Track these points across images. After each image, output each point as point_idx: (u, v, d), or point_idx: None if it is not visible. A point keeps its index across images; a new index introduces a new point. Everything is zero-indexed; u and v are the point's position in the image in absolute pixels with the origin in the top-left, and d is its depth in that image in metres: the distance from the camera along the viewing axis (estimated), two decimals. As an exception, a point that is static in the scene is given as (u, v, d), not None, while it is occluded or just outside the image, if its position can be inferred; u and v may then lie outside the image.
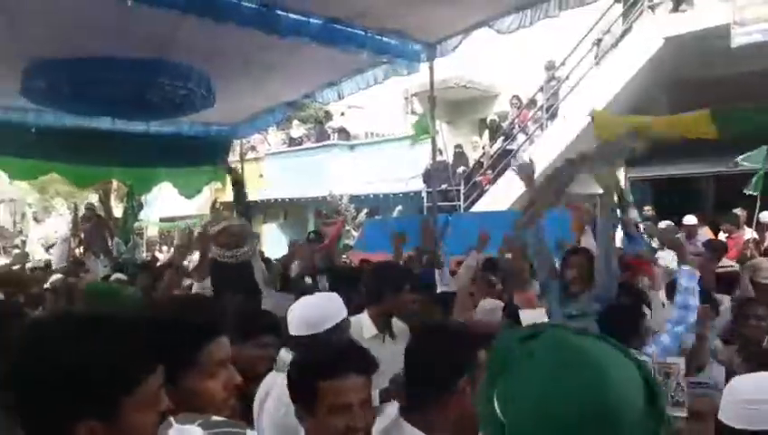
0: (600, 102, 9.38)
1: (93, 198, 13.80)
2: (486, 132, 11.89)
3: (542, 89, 10.68)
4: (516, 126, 11.10)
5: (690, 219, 7.24)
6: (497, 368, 0.78)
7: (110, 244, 8.74)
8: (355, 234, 11.56)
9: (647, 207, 8.55)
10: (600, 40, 9.89)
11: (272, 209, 16.71)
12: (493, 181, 10.65)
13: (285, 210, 17.07)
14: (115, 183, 17.14)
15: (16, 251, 15.76)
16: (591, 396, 0.70)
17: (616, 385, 0.71)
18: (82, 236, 8.92)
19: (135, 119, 6.71)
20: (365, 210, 12.74)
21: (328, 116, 16.60)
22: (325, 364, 1.55)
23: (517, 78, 11.83)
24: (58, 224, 14.43)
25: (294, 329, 2.08)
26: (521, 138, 10.87)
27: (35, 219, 24.92)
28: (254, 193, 13.41)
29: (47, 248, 15.25)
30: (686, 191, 9.90)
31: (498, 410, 0.75)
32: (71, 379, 0.95)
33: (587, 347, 0.75)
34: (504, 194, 9.78)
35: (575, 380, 0.71)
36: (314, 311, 2.10)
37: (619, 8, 9.67)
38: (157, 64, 5.12)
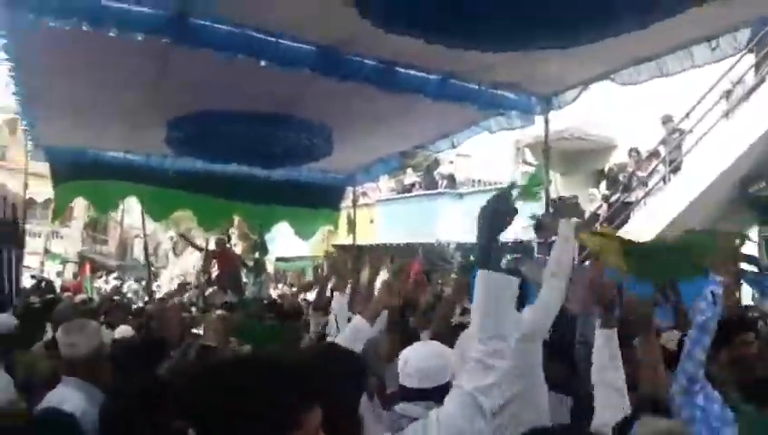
0: (729, 158, 8.82)
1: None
2: (604, 183, 11.51)
3: (664, 141, 10.22)
4: (635, 178, 10.66)
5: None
6: None
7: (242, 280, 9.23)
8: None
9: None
10: (729, 92, 9.35)
11: (379, 253, 17.00)
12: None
13: (392, 255, 17.30)
14: (236, 222, 18.35)
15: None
16: None
17: None
18: (213, 273, 9.45)
19: (261, 166, 7.26)
20: (471, 258, 12.63)
21: (436, 163, 16.82)
22: None
23: (634, 130, 11.42)
24: (197, 259, 15.42)
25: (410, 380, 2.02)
26: (640, 192, 10.41)
27: (174, 253, 26.86)
28: (364, 238, 13.77)
29: (182, 284, 16.39)
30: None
31: None
32: (251, 423, 1.07)
33: None
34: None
35: None
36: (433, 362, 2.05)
37: (752, 58, 9.12)
38: (282, 119, 5.53)
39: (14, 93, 5.38)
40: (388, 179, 17.11)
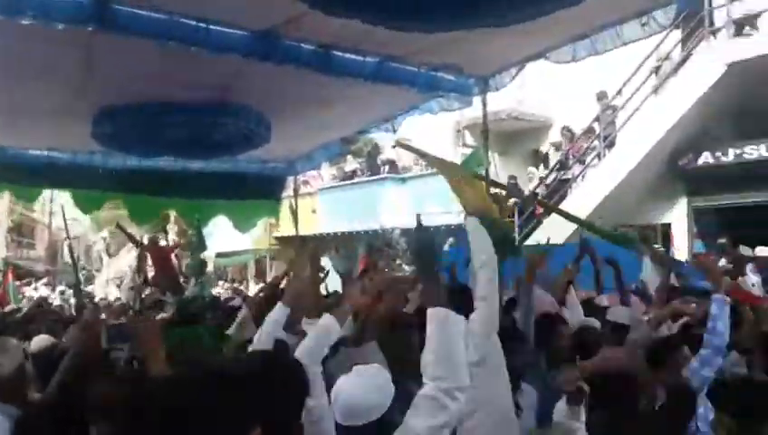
0: (659, 131, 9.16)
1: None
2: (540, 163, 11.81)
3: (598, 118, 10.51)
4: (571, 156, 10.95)
5: (763, 250, 6.89)
6: None
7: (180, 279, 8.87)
8: (407, 268, 11.51)
9: (721, 239, 8.17)
10: (658, 68, 9.69)
11: (323, 243, 16.91)
12: (549, 213, 10.44)
13: (337, 244, 17.23)
14: (172, 217, 17.70)
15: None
16: None
17: None
18: (149, 274, 9.09)
19: (197, 158, 6.98)
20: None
21: (378, 149, 16.77)
22: None
23: (570, 108, 11.72)
24: (132, 259, 14.77)
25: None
26: (577, 168, 10.70)
27: (108, 254, 25.86)
28: (307, 228, 13.60)
29: (118, 285, 15.69)
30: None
31: None
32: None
33: None
34: (560, 226, 9.58)
35: None
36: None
37: (678, 34, 9.47)
38: (217, 107, 5.31)
39: None
40: (330, 167, 16.94)
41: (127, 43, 3.95)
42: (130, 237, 10.22)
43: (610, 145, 10.16)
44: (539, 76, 7.88)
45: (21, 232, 30.04)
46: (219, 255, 19.91)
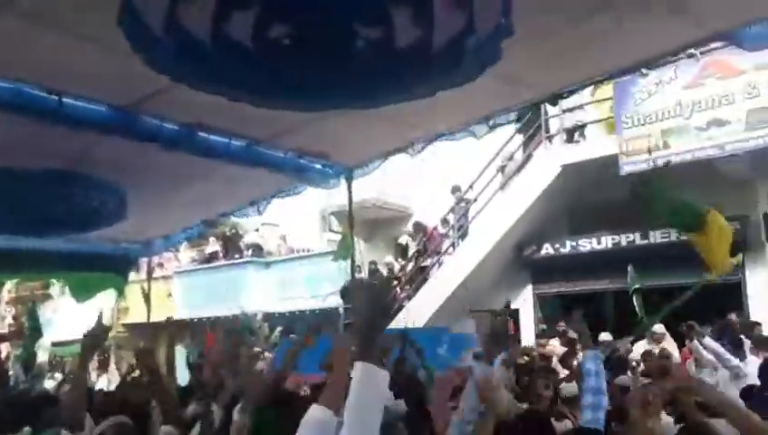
0: (506, 224, 9.98)
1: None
2: (399, 252, 12.37)
3: (453, 210, 11.23)
4: (426, 247, 11.56)
5: (605, 336, 7.59)
6: None
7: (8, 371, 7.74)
8: (269, 355, 11.10)
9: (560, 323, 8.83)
10: (503, 166, 10.69)
11: (179, 330, 15.87)
12: (409, 298, 10.78)
13: (192, 330, 16.25)
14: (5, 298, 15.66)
15: None
16: None
17: None
18: None
19: (40, 235, 6.28)
20: (279, 328, 12.36)
21: (238, 235, 16.42)
22: None
23: (428, 199, 12.47)
24: None
25: None
26: (434, 257, 11.29)
27: None
28: (161, 313, 12.73)
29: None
30: (594, 306, 10.40)
31: None
32: None
33: None
34: (418, 310, 9.90)
35: None
36: None
37: (520, 138, 10.59)
38: (67, 176, 4.92)
39: None
40: (188, 248, 16.22)
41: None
42: None
43: (464, 235, 10.85)
44: (401, 167, 8.35)
45: None
46: (56, 344, 17.87)
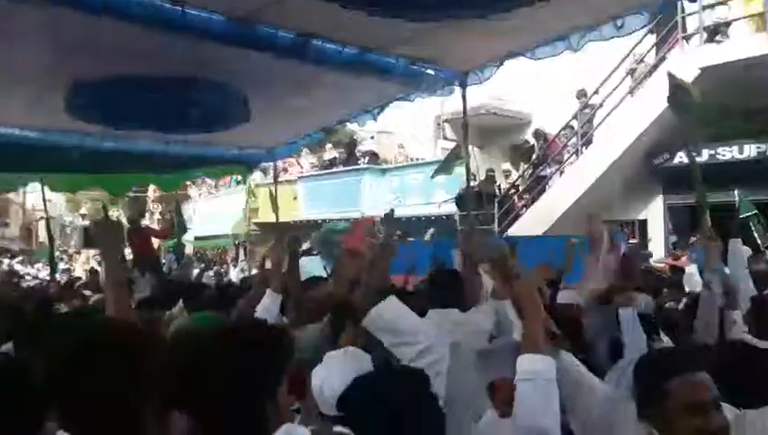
0: (635, 131, 9.31)
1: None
2: (518, 160, 12.01)
3: (576, 116, 10.64)
4: (546, 155, 11.11)
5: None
6: None
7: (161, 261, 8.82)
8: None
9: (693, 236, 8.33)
10: (633, 70, 9.83)
11: (302, 230, 16.89)
12: (527, 206, 10.61)
13: (315, 231, 17.23)
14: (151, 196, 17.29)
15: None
16: None
17: None
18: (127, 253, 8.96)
19: (172, 132, 6.85)
20: (398, 233, 12.73)
21: (354, 142, 16.78)
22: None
23: (548, 106, 11.85)
24: None
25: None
26: (555, 166, 10.88)
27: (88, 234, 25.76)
28: (287, 214, 13.58)
29: (99, 263, 15.53)
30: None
31: None
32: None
33: None
34: (538, 220, 9.74)
35: None
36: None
37: (653, 39, 9.60)
38: (196, 82, 5.24)
39: None
40: (308, 155, 16.91)
41: (102, 20, 3.90)
42: (108, 221, 10.09)
43: (588, 143, 10.30)
44: (519, 73, 7.96)
45: (-6, 210, 29.61)
46: (198, 238, 19.85)
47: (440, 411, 1.64)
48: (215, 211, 19.81)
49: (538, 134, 11.66)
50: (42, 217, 22.03)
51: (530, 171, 11.38)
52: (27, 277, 14.39)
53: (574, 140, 10.61)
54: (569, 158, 10.73)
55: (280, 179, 11.98)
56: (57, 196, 18.07)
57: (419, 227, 12.69)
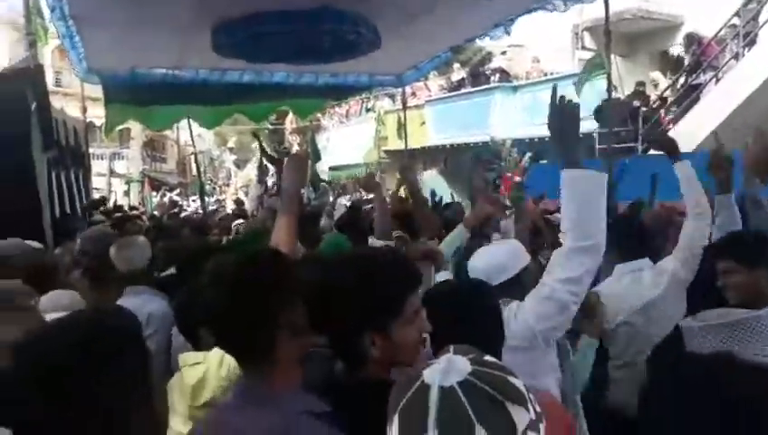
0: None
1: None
2: (670, 67, 10.88)
3: (738, 14, 9.36)
4: (700, 62, 9.94)
5: None
6: None
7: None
8: (517, 179, 11.27)
9: None
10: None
11: (432, 156, 16.90)
12: (676, 121, 9.70)
13: (446, 157, 17.17)
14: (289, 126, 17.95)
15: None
16: None
17: None
18: (269, 182, 9.59)
19: (308, 62, 7.11)
20: (528, 154, 12.31)
21: (488, 57, 16.12)
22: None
23: (703, 4, 10.51)
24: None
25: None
26: (710, 73, 9.74)
27: (237, 166, 27.98)
28: (416, 140, 13.62)
29: (246, 193, 16.85)
30: None
31: None
32: (357, 303, 1.30)
33: None
34: (688, 135, 8.88)
35: None
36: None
37: None
38: (324, 12, 5.34)
39: (58, 18, 5.34)
40: (436, 77, 16.58)
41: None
42: (263, 151, 10.77)
43: (751, 44, 9.06)
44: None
45: (154, 147, 32.72)
46: (332, 168, 20.61)
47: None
48: (347, 140, 20.34)
49: (691, 38, 10.43)
50: (192, 153, 24.09)
51: (681, 81, 10.30)
52: (185, 208, 15.90)
53: (735, 42, 9.37)
54: (727, 62, 9.54)
55: (408, 105, 11.97)
56: (206, 131, 19.45)
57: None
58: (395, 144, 16.20)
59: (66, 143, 7.74)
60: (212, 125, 9.62)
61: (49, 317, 1.59)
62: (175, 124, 12.15)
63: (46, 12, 6.55)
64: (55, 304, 2.09)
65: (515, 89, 14.37)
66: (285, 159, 2.10)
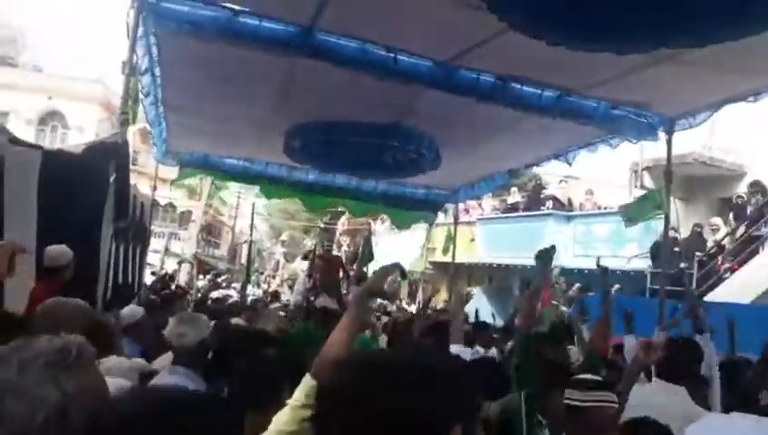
0: None
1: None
2: (731, 214, 10.72)
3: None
4: (763, 212, 9.79)
5: None
6: None
7: (342, 286, 9.51)
8: (564, 308, 11.00)
9: None
10: None
11: (478, 272, 16.81)
12: (734, 270, 9.42)
13: (491, 275, 17.02)
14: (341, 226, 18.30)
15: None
16: None
17: None
18: (317, 277, 9.74)
19: (370, 177, 7.46)
20: (577, 285, 12.09)
21: (540, 186, 16.37)
22: None
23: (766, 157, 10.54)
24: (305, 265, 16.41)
25: None
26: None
27: (286, 259, 28.65)
28: (464, 256, 13.63)
29: (290, 286, 17.05)
30: None
31: None
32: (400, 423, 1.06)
33: None
34: (744, 286, 8.59)
35: None
36: None
37: None
38: (393, 129, 5.60)
39: (150, 103, 5.82)
40: (490, 198, 16.85)
41: (322, 67, 4.34)
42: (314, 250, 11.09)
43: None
44: (734, 118, 7.16)
45: (210, 231, 33.83)
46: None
47: None
48: (394, 247, 20.56)
49: (755, 187, 10.33)
50: (245, 241, 24.64)
51: (742, 229, 10.10)
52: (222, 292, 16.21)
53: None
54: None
55: (460, 220, 12.12)
56: (261, 224, 20.10)
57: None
58: (441, 256, 16.25)
59: (133, 218, 8.15)
60: (271, 196, 10.08)
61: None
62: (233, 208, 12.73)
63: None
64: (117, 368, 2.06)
65: (569, 218, 14.40)
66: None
